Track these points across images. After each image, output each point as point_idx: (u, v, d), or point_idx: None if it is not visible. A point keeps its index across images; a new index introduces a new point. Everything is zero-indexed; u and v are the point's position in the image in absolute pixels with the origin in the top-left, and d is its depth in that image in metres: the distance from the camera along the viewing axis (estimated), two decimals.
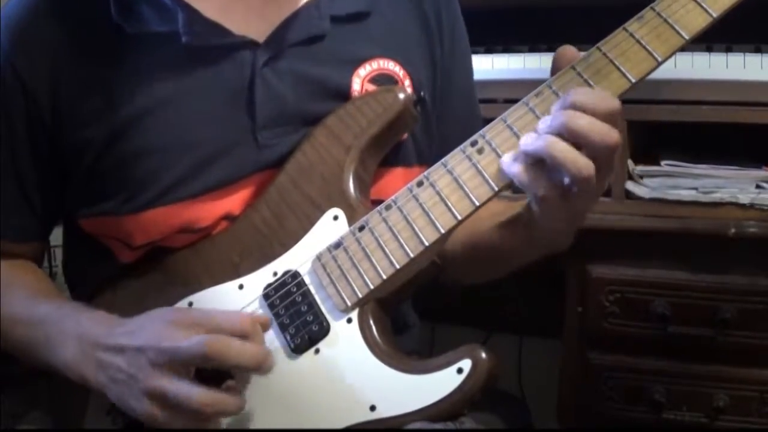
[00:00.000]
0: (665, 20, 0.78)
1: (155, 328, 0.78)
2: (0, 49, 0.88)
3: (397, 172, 0.93)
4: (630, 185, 1.26)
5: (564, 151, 0.73)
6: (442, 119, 0.99)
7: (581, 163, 0.73)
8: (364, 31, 0.92)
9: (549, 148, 0.73)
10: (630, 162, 1.27)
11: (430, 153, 0.96)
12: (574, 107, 0.74)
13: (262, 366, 0.78)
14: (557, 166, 0.74)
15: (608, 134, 0.74)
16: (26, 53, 0.87)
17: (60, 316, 0.87)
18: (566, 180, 0.75)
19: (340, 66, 0.91)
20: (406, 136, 0.93)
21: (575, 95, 0.75)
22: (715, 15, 0.77)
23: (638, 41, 0.78)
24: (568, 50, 0.80)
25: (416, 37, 0.96)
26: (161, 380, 0.76)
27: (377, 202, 0.84)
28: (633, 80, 0.78)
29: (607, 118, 0.74)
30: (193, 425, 0.77)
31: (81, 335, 0.83)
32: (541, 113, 0.79)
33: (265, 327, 0.81)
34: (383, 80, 0.92)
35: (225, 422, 0.82)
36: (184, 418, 0.76)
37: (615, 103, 0.75)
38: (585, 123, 0.73)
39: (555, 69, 0.80)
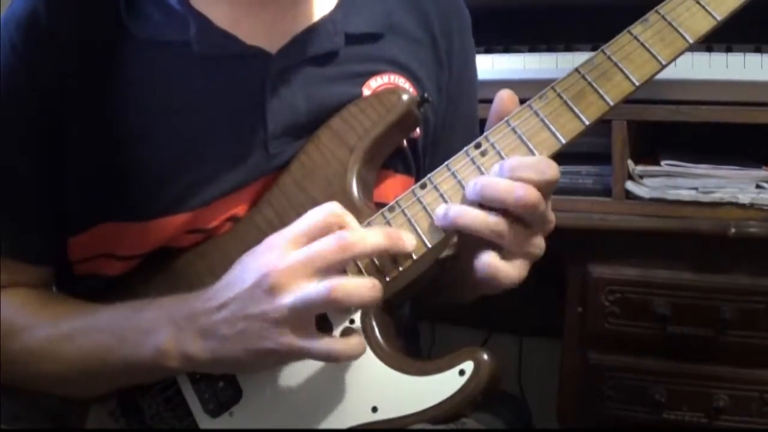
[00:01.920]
0: (670, 23, 0.78)
1: (255, 265, 0.77)
2: (11, 47, 0.85)
3: (399, 178, 0.92)
4: (630, 185, 1.26)
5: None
6: (442, 144, 0.98)
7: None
8: (377, 51, 0.92)
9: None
10: (630, 162, 1.27)
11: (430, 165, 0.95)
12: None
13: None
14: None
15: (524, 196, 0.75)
16: (38, 52, 0.84)
17: (128, 312, 0.83)
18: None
19: (351, 80, 0.90)
20: (405, 141, 0.92)
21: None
22: (719, 18, 0.77)
23: (642, 44, 0.78)
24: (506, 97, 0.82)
25: (426, 63, 0.95)
26: (288, 294, 0.74)
27: (379, 205, 0.84)
28: (637, 83, 0.78)
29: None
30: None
31: (171, 315, 0.80)
32: (545, 116, 0.79)
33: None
34: None
35: (225, 422, 0.82)
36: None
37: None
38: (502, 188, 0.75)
39: (492, 121, 0.82)
